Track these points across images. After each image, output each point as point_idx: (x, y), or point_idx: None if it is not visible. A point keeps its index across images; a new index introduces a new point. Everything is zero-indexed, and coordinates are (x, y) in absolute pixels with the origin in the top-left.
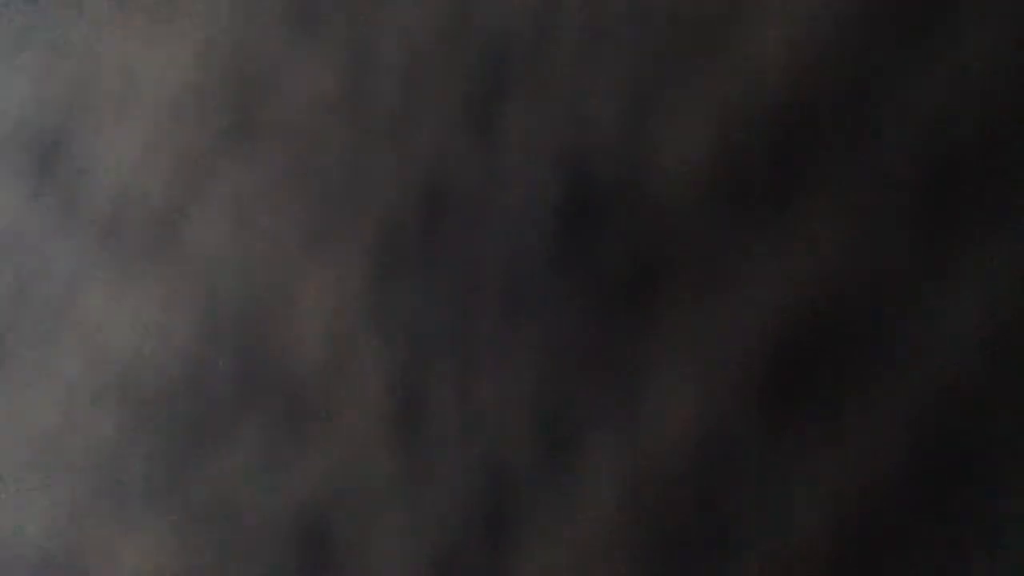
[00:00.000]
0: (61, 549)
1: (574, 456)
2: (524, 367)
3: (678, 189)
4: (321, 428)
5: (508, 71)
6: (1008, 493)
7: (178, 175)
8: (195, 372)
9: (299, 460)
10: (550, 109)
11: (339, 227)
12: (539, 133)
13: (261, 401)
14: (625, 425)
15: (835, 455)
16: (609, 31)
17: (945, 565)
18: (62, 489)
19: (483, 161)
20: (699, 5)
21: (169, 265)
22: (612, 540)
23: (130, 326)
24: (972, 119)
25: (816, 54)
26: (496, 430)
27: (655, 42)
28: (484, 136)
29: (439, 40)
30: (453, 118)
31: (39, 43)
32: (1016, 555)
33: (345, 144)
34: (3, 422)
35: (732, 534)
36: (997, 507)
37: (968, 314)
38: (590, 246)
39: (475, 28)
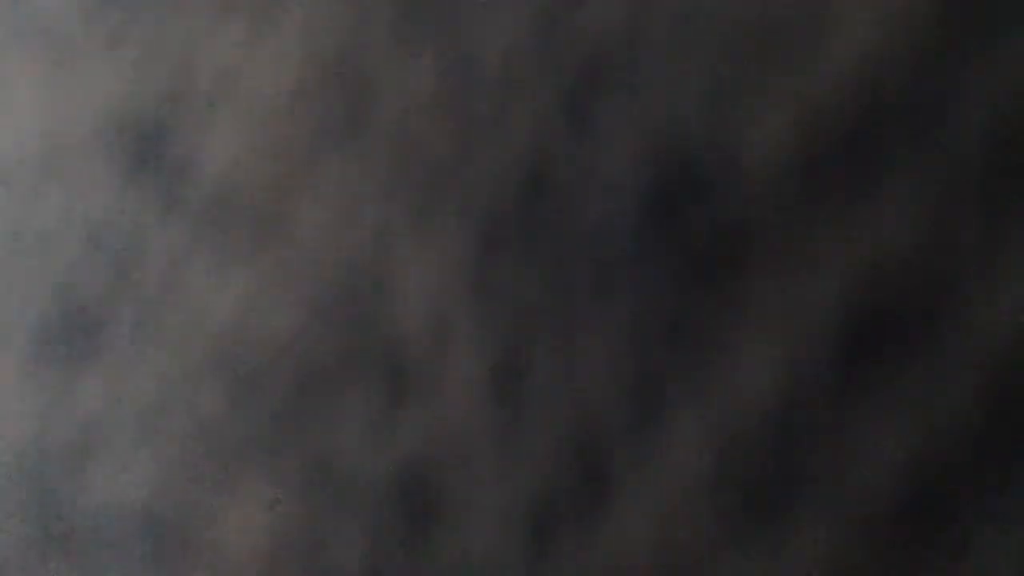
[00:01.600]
0: (168, 512)
1: (662, 419)
2: (616, 337)
3: (760, 178)
4: (423, 396)
5: (601, 69)
6: None
7: (280, 168)
8: (300, 345)
9: (402, 423)
10: (641, 104)
11: (441, 211)
12: (630, 127)
13: (365, 370)
14: (710, 391)
15: (904, 420)
16: (697, 32)
17: (1009, 524)
18: (168, 455)
19: (578, 151)
20: (780, 10)
21: (273, 249)
22: (697, 499)
23: (233, 305)
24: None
25: (885, 55)
26: (590, 394)
27: (740, 43)
28: (578, 129)
29: (535, 39)
30: (549, 112)
31: (136, 41)
32: None
33: (447, 139)
34: (109, 397)
35: (809, 494)
36: None
37: (1009, 291)
38: (678, 229)
39: (570, 28)
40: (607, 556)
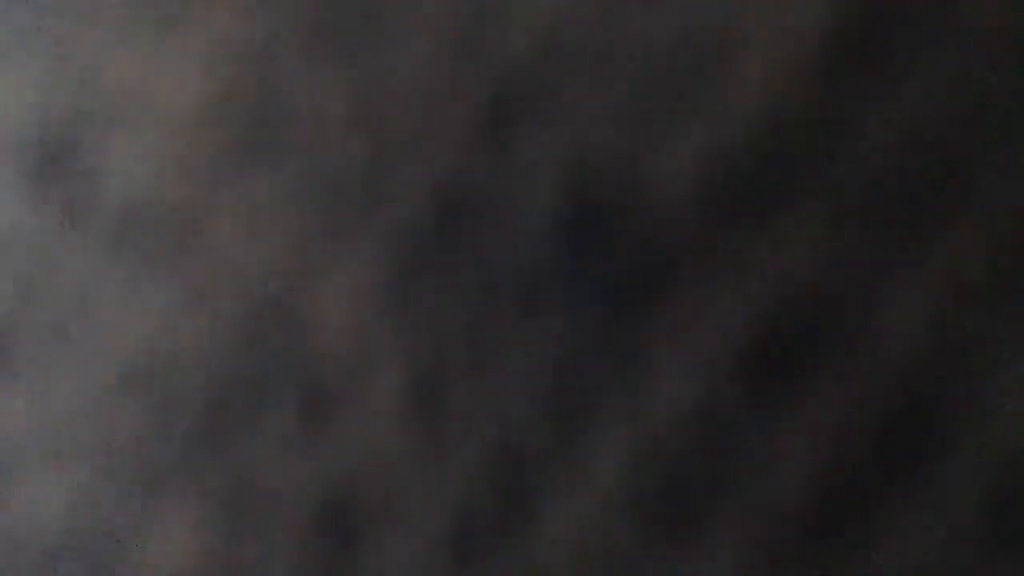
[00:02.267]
0: (88, 534)
1: (581, 436)
2: (535, 356)
3: (670, 202)
4: (342, 416)
5: (516, 92)
6: (960, 466)
7: (192, 184)
8: (216, 363)
9: (320, 446)
10: (556, 127)
11: (357, 230)
12: (546, 149)
13: (283, 389)
14: (627, 408)
15: (811, 432)
16: (610, 60)
17: (912, 533)
18: (86, 477)
19: (494, 174)
20: (689, 38)
21: (185, 264)
22: (616, 512)
23: (146, 322)
24: (935, 139)
25: (790, 79)
26: (509, 414)
27: (652, 72)
28: (495, 150)
29: (452, 60)
30: (467, 133)
31: (43, 52)
32: (966, 523)
33: (362, 153)
34: (23, 417)
35: (723, 507)
36: (950, 481)
37: (921, 302)
38: (593, 252)
39: (485, 51)
40: (529, 574)
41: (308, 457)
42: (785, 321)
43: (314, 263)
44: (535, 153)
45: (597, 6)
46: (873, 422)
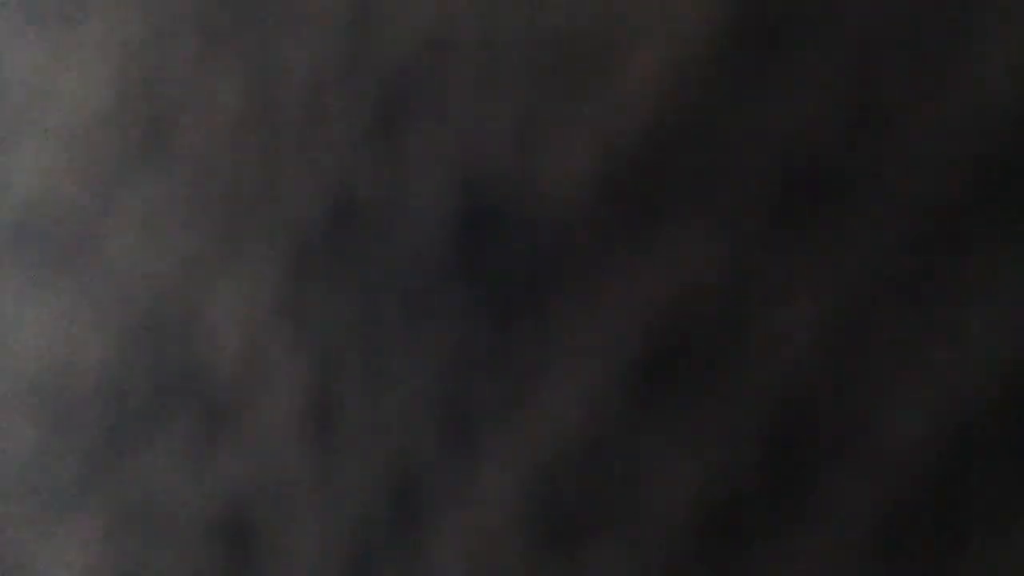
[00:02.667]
0: None
1: (473, 451)
2: (427, 368)
3: (561, 206)
4: (238, 431)
5: (407, 96)
6: (836, 468)
7: (87, 187)
8: (109, 378)
9: (217, 460)
10: (446, 132)
11: (249, 236)
12: (437, 154)
13: (178, 404)
14: (518, 422)
15: (698, 450)
16: (500, 58)
17: (797, 555)
18: None
19: (386, 176)
20: (580, 35)
21: (80, 274)
22: (508, 527)
23: (42, 336)
24: (821, 145)
25: (684, 78)
26: (402, 427)
27: (542, 70)
28: (386, 154)
29: (343, 61)
30: (359, 133)
31: None
32: (858, 544)
33: (254, 158)
34: None
35: (610, 524)
36: (836, 499)
37: (805, 320)
38: (485, 254)
39: (376, 52)
40: None
41: (204, 472)
42: (675, 337)
43: (207, 272)
44: (426, 153)
45: (486, 1)
46: (761, 439)
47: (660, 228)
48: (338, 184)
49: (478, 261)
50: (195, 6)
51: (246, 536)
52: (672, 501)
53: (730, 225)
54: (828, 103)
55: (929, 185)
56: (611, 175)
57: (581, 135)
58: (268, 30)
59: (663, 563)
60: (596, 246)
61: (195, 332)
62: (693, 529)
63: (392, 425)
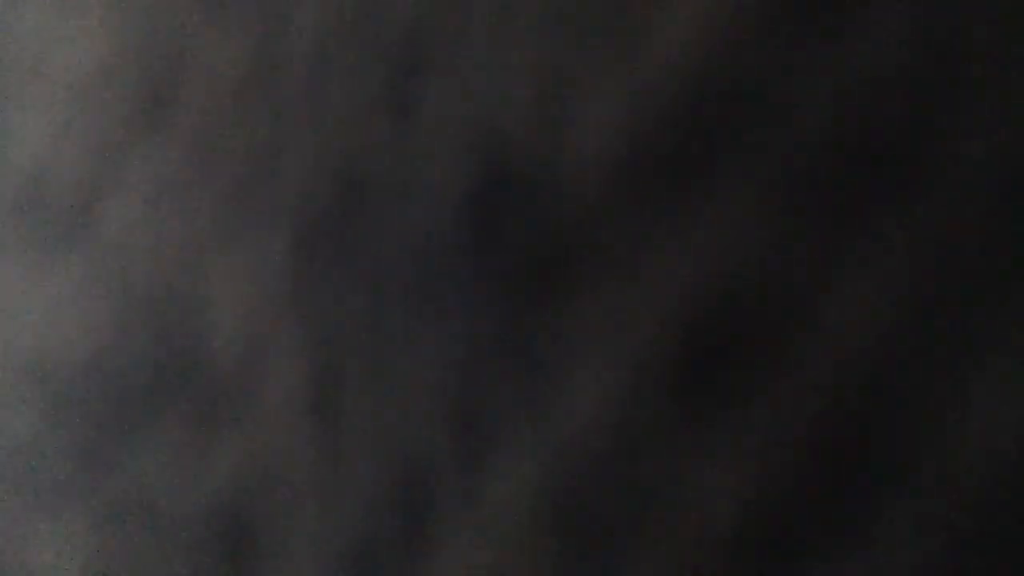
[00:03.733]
0: None
1: (488, 446)
2: (438, 357)
3: (588, 176)
4: (238, 420)
5: (423, 52)
6: (897, 482)
7: (90, 156)
8: (109, 366)
9: (217, 451)
10: (465, 92)
11: (255, 212)
12: (454, 116)
13: (177, 392)
14: (539, 415)
15: (741, 441)
16: (522, 14)
17: (838, 551)
18: None
19: (399, 144)
20: None
21: (82, 253)
22: (527, 530)
23: (44, 312)
24: (872, 119)
25: (719, 45)
26: (410, 420)
27: (568, 25)
28: (399, 118)
29: (353, 20)
30: (368, 100)
31: None
32: (910, 565)
33: (260, 125)
34: None
35: (643, 521)
36: (887, 497)
37: (856, 314)
38: (502, 234)
39: (388, 11)
40: None
41: (202, 469)
42: (711, 317)
43: (208, 252)
44: (439, 120)
45: None
46: (806, 447)
47: (698, 204)
48: (347, 154)
49: (493, 241)
50: None
51: (244, 531)
52: (706, 514)
53: (775, 200)
54: (883, 66)
55: (1002, 173)
56: (643, 143)
57: (610, 97)
58: None
59: (699, 573)
60: (625, 222)
61: (195, 318)
62: (729, 544)
63: (398, 420)
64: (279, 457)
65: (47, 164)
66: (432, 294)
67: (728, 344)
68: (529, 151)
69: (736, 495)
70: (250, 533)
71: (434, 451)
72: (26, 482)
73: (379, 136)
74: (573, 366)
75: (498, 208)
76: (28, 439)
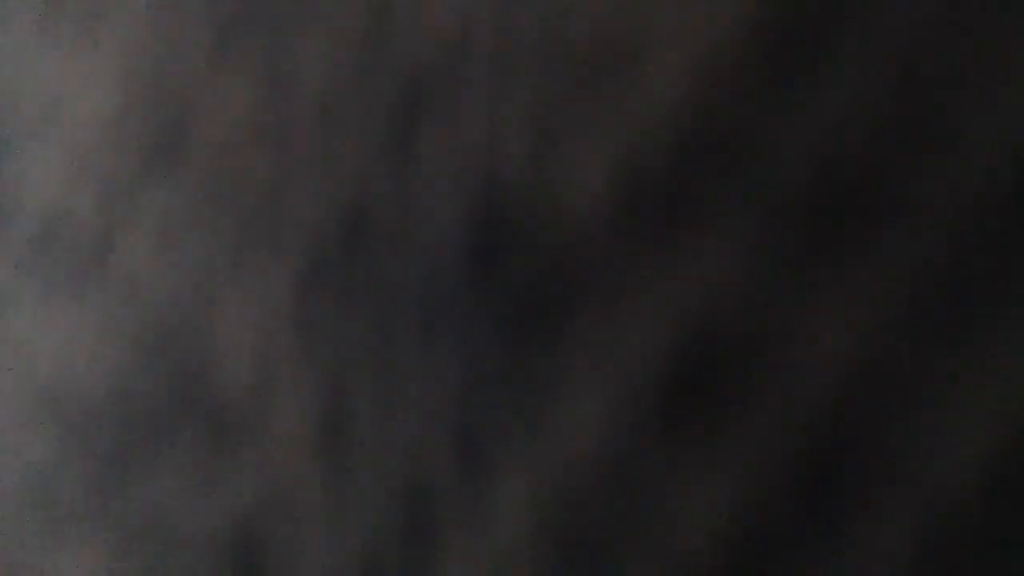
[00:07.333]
0: None
1: (488, 472)
2: (440, 385)
3: (581, 217)
4: (249, 446)
5: (422, 101)
6: (881, 501)
7: (103, 197)
8: (123, 393)
9: (228, 478)
10: (462, 139)
11: (263, 247)
12: (452, 162)
13: (190, 421)
14: (536, 442)
15: (728, 467)
16: (518, 66)
17: (825, 568)
18: None
19: (400, 186)
20: (602, 42)
21: (97, 287)
22: (523, 553)
23: (58, 347)
24: (857, 157)
25: (709, 87)
26: (414, 447)
27: (561, 76)
28: (401, 162)
29: (357, 68)
30: (371, 144)
31: None
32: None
33: (267, 167)
34: None
35: (632, 545)
36: (877, 532)
37: (841, 338)
38: (501, 270)
39: (390, 59)
40: None
41: (213, 493)
42: (701, 355)
43: (219, 285)
44: (440, 161)
45: (505, 4)
46: (795, 465)
47: (685, 241)
48: (352, 193)
49: (493, 274)
50: (207, 12)
51: (255, 554)
52: (697, 530)
53: (759, 238)
54: (864, 111)
55: (974, 200)
56: (632, 184)
57: (601, 142)
58: (281, 35)
59: None
60: (616, 258)
61: (207, 348)
62: (719, 561)
63: (404, 443)
64: (289, 482)
65: (63, 204)
66: (434, 324)
67: (715, 373)
68: (525, 195)
69: (722, 512)
70: (261, 556)
71: (438, 473)
72: (43, 509)
73: (381, 178)
74: (569, 394)
75: (497, 246)
76: (44, 467)
